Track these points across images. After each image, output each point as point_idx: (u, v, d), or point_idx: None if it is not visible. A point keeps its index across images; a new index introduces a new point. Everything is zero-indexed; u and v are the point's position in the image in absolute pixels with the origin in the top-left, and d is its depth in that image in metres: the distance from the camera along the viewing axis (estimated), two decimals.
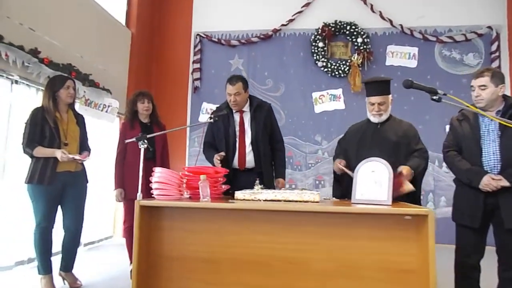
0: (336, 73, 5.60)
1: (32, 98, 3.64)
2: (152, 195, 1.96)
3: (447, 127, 5.20)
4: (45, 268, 2.79)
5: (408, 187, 1.99)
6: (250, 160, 2.84)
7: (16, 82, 3.47)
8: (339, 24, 5.63)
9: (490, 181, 2.10)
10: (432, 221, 1.52)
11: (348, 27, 5.61)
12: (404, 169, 2.09)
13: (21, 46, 3.31)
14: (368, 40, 5.58)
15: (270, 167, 2.99)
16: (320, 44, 5.62)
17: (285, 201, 1.83)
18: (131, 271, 3.17)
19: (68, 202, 2.87)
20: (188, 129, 5.82)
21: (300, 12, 5.79)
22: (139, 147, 2.19)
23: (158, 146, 3.27)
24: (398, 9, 5.59)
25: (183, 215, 1.88)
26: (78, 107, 3.80)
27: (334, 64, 5.60)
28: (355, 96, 5.53)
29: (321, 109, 5.60)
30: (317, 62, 5.64)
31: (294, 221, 1.78)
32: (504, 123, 1.86)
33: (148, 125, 3.29)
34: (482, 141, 2.25)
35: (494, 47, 5.29)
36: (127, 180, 3.15)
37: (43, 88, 3.54)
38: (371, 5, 5.63)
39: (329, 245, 1.74)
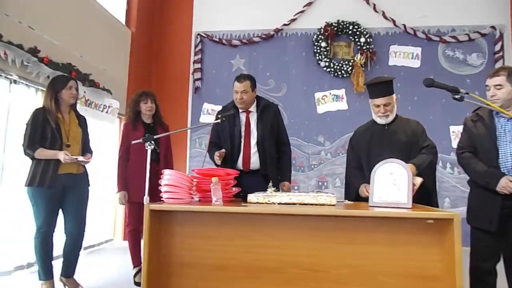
0: (339, 73, 5.55)
1: (31, 98, 3.55)
2: (161, 198, 1.88)
3: (451, 128, 5.23)
4: (46, 274, 2.70)
5: (416, 180, 1.94)
6: (255, 161, 2.77)
7: (15, 82, 3.38)
8: (342, 23, 5.59)
9: (508, 183, 2.04)
10: (458, 225, 1.45)
11: (350, 27, 5.57)
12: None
13: (20, 45, 3.22)
14: (371, 40, 5.54)
15: (276, 169, 2.92)
16: (323, 44, 5.56)
17: (300, 204, 1.76)
18: (134, 275, 3.13)
19: (69, 205, 2.79)
20: (189, 130, 5.73)
21: (302, 11, 5.74)
22: (146, 148, 2.11)
23: (162, 148, 3.19)
24: (401, 8, 5.55)
25: (194, 219, 1.80)
26: (78, 107, 3.71)
27: (336, 64, 5.55)
28: (358, 96, 5.49)
29: (323, 110, 5.54)
30: (319, 62, 5.59)
31: (310, 226, 1.71)
32: None
33: (151, 125, 3.21)
34: (499, 142, 2.18)
35: (498, 47, 5.27)
36: (130, 182, 3.06)
37: (42, 88, 3.47)
38: (374, 5, 5.58)
39: (347, 250, 1.67)
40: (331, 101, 5.57)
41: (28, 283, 3.08)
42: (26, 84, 3.49)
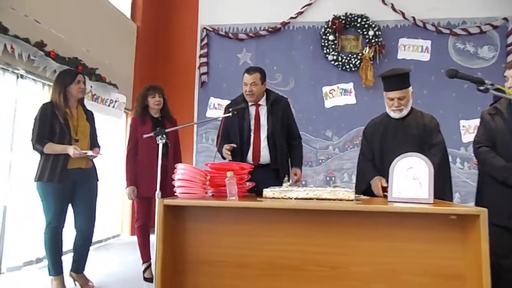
0: (347, 67, 5.47)
1: (38, 93, 3.51)
2: (174, 194, 1.84)
3: (461, 122, 5.14)
4: (56, 269, 2.68)
5: None
6: (265, 155, 2.73)
7: (22, 76, 3.34)
8: (350, 16, 5.50)
9: None
10: (484, 222, 1.40)
11: (359, 20, 5.48)
12: None
13: (27, 39, 3.19)
14: (380, 33, 5.46)
15: (287, 163, 2.88)
16: (330, 37, 5.49)
17: (317, 199, 1.71)
18: (143, 271, 3.11)
19: (79, 200, 2.76)
20: (195, 124, 5.69)
21: (309, 4, 5.65)
22: (157, 142, 2.07)
23: (171, 142, 3.14)
24: (411, 1, 5.45)
25: (209, 215, 1.75)
26: (85, 102, 3.68)
27: (344, 57, 5.47)
28: (366, 90, 5.41)
29: (331, 104, 5.45)
30: (327, 55, 5.51)
31: (328, 222, 1.66)
32: None
33: (159, 120, 3.17)
34: None
35: (510, 40, 5.17)
36: (139, 177, 3.03)
37: (49, 83, 3.43)
38: None
39: (366, 247, 1.63)
40: (339, 95, 5.48)
41: (37, 278, 3.07)
42: (33, 79, 3.45)
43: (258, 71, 2.73)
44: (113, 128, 4.71)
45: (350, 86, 5.47)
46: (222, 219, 1.74)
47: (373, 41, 5.42)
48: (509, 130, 2.16)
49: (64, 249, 2.76)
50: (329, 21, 5.51)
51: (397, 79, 2.33)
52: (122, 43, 5.08)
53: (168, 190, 2.57)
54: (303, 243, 1.66)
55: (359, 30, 5.53)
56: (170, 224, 1.70)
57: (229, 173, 1.74)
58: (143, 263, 3.12)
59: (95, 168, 2.93)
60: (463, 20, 5.35)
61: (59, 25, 3.77)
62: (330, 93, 5.52)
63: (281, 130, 2.76)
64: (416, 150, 2.10)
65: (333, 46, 5.48)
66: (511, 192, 2.08)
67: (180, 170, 1.78)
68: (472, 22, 5.31)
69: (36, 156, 2.69)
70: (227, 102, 3.13)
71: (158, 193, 2.00)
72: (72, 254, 2.84)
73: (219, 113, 5.32)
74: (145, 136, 2.21)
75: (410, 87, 2.37)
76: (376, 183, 2.25)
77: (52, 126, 2.63)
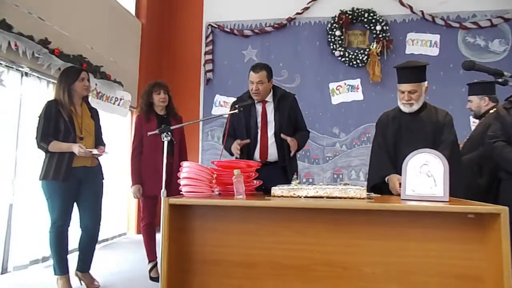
0: (354, 62, 5.39)
1: (43, 91, 3.49)
2: (180, 192, 1.79)
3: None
4: (62, 268, 2.66)
5: None
6: (272, 153, 2.67)
7: (27, 74, 3.32)
8: (357, 11, 5.41)
9: None
10: (506, 221, 1.33)
11: (366, 15, 5.39)
12: None
13: (31, 36, 3.16)
14: (387, 27, 5.37)
15: (294, 160, 2.81)
16: (337, 33, 5.40)
17: (327, 197, 1.65)
18: (149, 270, 3.07)
19: (85, 199, 2.74)
20: (201, 122, 5.65)
21: (315, 0, 5.56)
22: (163, 140, 2.01)
23: (176, 140, 3.10)
24: None
25: (216, 214, 1.70)
26: (89, 100, 3.66)
27: (351, 53, 5.39)
28: (374, 86, 5.33)
29: (338, 100, 5.41)
30: (334, 51, 5.43)
31: (339, 221, 1.60)
32: None
33: (164, 117, 3.12)
34: None
35: None
36: (144, 175, 2.99)
37: (54, 81, 3.40)
38: None
39: (379, 247, 1.57)
40: (346, 92, 5.43)
41: (43, 277, 3.05)
42: (38, 77, 3.43)
43: (265, 69, 2.66)
44: (118, 126, 4.69)
45: (357, 82, 5.42)
46: (229, 218, 1.69)
47: (380, 36, 5.33)
48: None
49: (70, 248, 2.75)
50: (335, 16, 5.43)
51: (410, 72, 2.27)
52: (127, 41, 5.05)
53: (173, 188, 2.53)
54: (312, 243, 1.61)
55: (366, 25, 5.44)
56: (175, 223, 1.66)
57: (236, 171, 1.69)
58: (149, 262, 3.08)
59: (101, 166, 2.90)
60: (473, 13, 5.24)
61: (63, 23, 3.74)
62: (337, 89, 5.46)
63: (288, 126, 2.71)
64: (429, 146, 2.04)
65: (339, 42, 5.40)
66: None
67: (186, 169, 1.73)
68: (483, 15, 5.19)
69: (41, 154, 2.66)
70: (233, 99, 3.07)
71: (163, 191, 1.95)
72: (77, 253, 2.81)
73: (225, 111, 5.28)
74: (149, 133, 2.16)
75: (425, 82, 2.30)
76: (394, 182, 2.13)
77: (56, 124, 2.61)
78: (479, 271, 1.44)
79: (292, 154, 2.62)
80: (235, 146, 2.54)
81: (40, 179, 2.62)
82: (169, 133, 2.02)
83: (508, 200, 2.14)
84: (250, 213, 1.67)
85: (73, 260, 2.79)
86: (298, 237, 1.62)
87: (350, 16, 5.41)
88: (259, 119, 2.70)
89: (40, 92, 3.45)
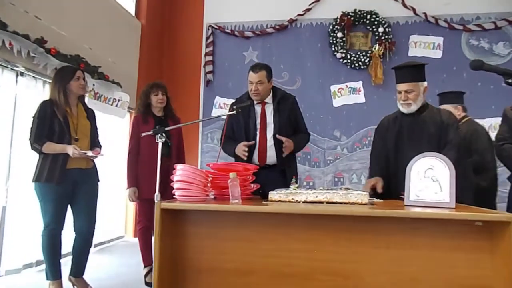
0: (356, 65, 5.32)
1: (38, 91, 3.43)
2: (174, 196, 1.72)
3: (483, 121, 4.94)
4: (54, 273, 2.58)
5: None
6: (271, 155, 2.61)
7: (22, 74, 3.26)
8: (359, 13, 5.35)
9: None
10: None
11: (368, 16, 5.33)
12: None
13: (27, 35, 3.10)
14: (390, 29, 5.30)
15: (294, 163, 2.74)
16: (339, 35, 5.34)
17: (327, 202, 1.58)
18: (145, 275, 3.00)
19: (79, 202, 2.66)
20: (200, 124, 5.58)
21: (317, 1, 5.52)
22: (157, 141, 1.95)
23: (174, 142, 3.04)
24: None
25: (210, 219, 1.63)
26: (87, 101, 3.60)
27: (353, 55, 5.32)
28: (376, 88, 5.26)
29: (340, 103, 5.34)
30: (335, 53, 5.36)
31: (340, 227, 1.52)
32: None
33: (162, 119, 3.06)
34: None
35: None
36: (141, 178, 2.92)
37: (50, 81, 3.34)
38: None
39: (382, 255, 1.49)
40: (348, 94, 5.36)
41: (36, 281, 2.98)
42: (33, 76, 3.37)
43: (264, 69, 2.60)
44: (117, 128, 4.63)
45: (359, 84, 5.35)
46: (224, 224, 1.62)
47: (383, 38, 5.26)
48: None
49: (63, 252, 2.67)
50: (337, 18, 5.37)
51: (407, 71, 2.25)
52: (126, 41, 4.99)
53: (170, 192, 2.45)
54: (312, 250, 1.53)
55: (368, 27, 5.37)
56: (168, 229, 1.58)
57: (231, 174, 1.61)
58: (145, 267, 3.01)
59: (96, 168, 2.83)
60: (477, 15, 5.16)
61: (61, 22, 3.68)
62: (338, 91, 5.39)
63: (288, 129, 2.64)
64: (433, 149, 1.98)
65: (341, 44, 5.34)
66: None
67: (179, 171, 1.66)
68: (487, 17, 5.12)
69: (36, 156, 2.59)
70: (233, 101, 3.01)
71: (157, 195, 1.88)
72: (71, 257, 2.74)
73: (225, 113, 5.21)
74: (143, 134, 2.10)
75: (423, 83, 2.27)
76: (369, 182, 2.21)
77: (51, 124, 2.55)
78: (488, 281, 1.36)
79: (284, 154, 2.54)
80: (242, 148, 2.46)
81: (33, 181, 2.55)
82: (164, 134, 1.96)
83: None
84: (247, 218, 1.59)
85: (66, 264, 2.72)
86: (297, 244, 1.54)
87: (352, 18, 5.35)
88: (258, 121, 2.64)
89: (36, 92, 3.39)
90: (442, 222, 1.46)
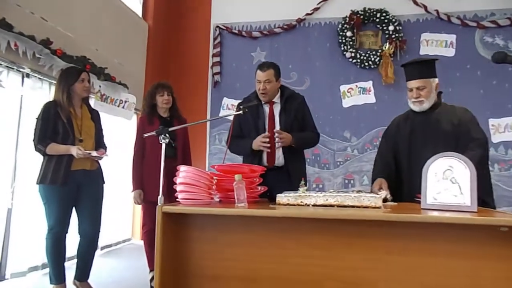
0: (366, 64, 5.20)
1: (44, 92, 3.41)
2: (177, 199, 1.65)
3: (490, 121, 4.79)
4: (58, 277, 2.54)
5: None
6: (279, 156, 2.53)
7: (28, 75, 3.24)
8: (368, 11, 5.24)
9: None
10: None
11: (378, 15, 5.21)
12: None
13: (32, 36, 3.08)
14: (400, 28, 5.18)
15: (300, 163, 2.65)
16: (348, 34, 5.23)
17: (339, 206, 1.49)
18: (150, 280, 2.93)
19: (84, 204, 2.62)
20: (208, 125, 5.52)
21: (325, 0, 5.40)
22: (160, 142, 1.88)
23: (179, 143, 2.98)
24: None
25: (215, 223, 1.55)
26: (93, 102, 3.58)
27: (363, 54, 5.20)
28: (386, 88, 5.13)
29: (349, 103, 5.23)
30: (345, 53, 5.26)
31: (352, 232, 1.43)
32: None
33: (168, 119, 3.00)
34: None
35: None
36: (146, 180, 2.87)
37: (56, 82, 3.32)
38: None
39: (397, 262, 1.39)
40: (358, 94, 5.24)
41: (42, 284, 2.95)
42: (39, 78, 3.34)
43: (272, 67, 2.54)
44: (124, 129, 4.59)
45: (369, 84, 5.23)
46: (230, 228, 1.54)
47: (393, 36, 5.14)
48: None
49: (68, 255, 2.64)
50: (346, 16, 5.26)
51: (417, 67, 2.15)
52: (133, 42, 4.97)
53: (175, 194, 2.40)
54: (322, 257, 1.44)
55: (378, 26, 5.26)
56: (171, 233, 1.51)
57: (237, 176, 1.54)
58: (150, 271, 2.95)
59: (101, 170, 2.79)
60: (492, 11, 5.01)
61: (67, 23, 3.66)
62: (348, 92, 5.28)
63: (295, 129, 2.56)
64: (450, 149, 1.87)
65: (351, 43, 5.23)
66: None
67: (182, 173, 1.59)
68: (502, 13, 4.96)
69: (41, 158, 2.56)
70: (240, 101, 2.94)
71: (160, 197, 1.81)
72: (76, 260, 2.69)
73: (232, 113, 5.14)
74: (145, 135, 2.03)
75: (434, 79, 2.17)
76: (375, 184, 2.11)
77: (55, 126, 2.53)
78: None
79: (277, 146, 2.47)
80: (261, 140, 2.39)
81: (37, 183, 2.53)
82: (167, 135, 1.89)
83: None
84: (253, 223, 1.51)
85: (71, 268, 2.68)
86: (306, 250, 1.45)
87: (361, 17, 5.24)
88: (266, 121, 2.58)
89: (42, 94, 3.37)
90: (463, 227, 1.35)
